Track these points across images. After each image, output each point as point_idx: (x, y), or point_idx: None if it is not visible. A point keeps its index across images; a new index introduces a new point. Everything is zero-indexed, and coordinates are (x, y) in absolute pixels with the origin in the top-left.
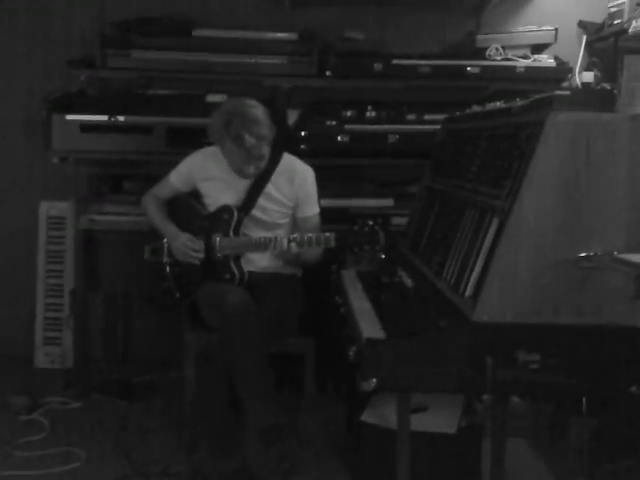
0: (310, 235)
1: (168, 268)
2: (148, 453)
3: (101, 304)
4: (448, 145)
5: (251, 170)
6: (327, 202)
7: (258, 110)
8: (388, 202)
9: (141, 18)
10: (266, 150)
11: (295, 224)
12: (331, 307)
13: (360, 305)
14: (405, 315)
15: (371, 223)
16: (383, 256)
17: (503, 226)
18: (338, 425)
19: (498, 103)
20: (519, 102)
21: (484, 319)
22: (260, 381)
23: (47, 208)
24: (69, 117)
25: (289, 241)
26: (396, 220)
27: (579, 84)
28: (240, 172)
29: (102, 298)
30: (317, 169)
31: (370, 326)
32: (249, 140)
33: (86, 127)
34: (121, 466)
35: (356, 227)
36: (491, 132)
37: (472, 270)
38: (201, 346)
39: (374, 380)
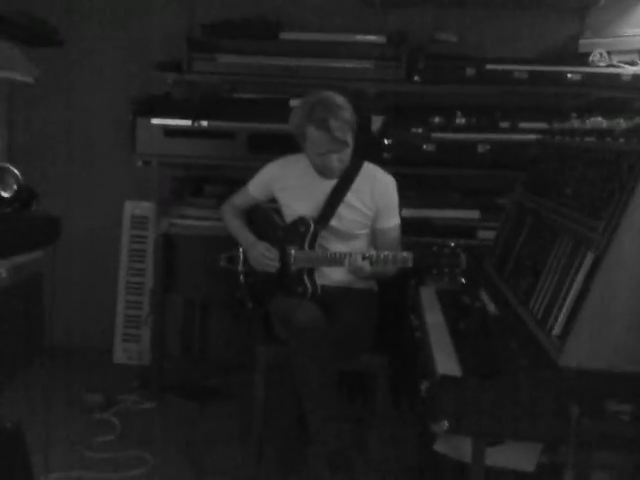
0: (386, 254)
1: (242, 277)
2: (216, 462)
3: (179, 305)
4: (543, 161)
5: (334, 162)
6: (409, 212)
7: (339, 97)
8: (474, 214)
9: (228, 20)
10: (350, 138)
11: (374, 235)
12: (407, 324)
13: (437, 332)
14: (485, 348)
15: (452, 244)
16: (464, 281)
17: (598, 263)
18: (410, 447)
19: (599, 119)
20: (623, 123)
21: (572, 365)
22: (328, 403)
23: (131, 207)
24: (154, 121)
25: (363, 258)
26: (482, 234)
27: None
28: (324, 167)
29: (181, 300)
30: (399, 178)
31: (445, 359)
32: (333, 123)
33: (169, 132)
34: (188, 475)
35: (435, 248)
36: (590, 154)
37: (561, 306)
38: (272, 358)
39: (446, 423)
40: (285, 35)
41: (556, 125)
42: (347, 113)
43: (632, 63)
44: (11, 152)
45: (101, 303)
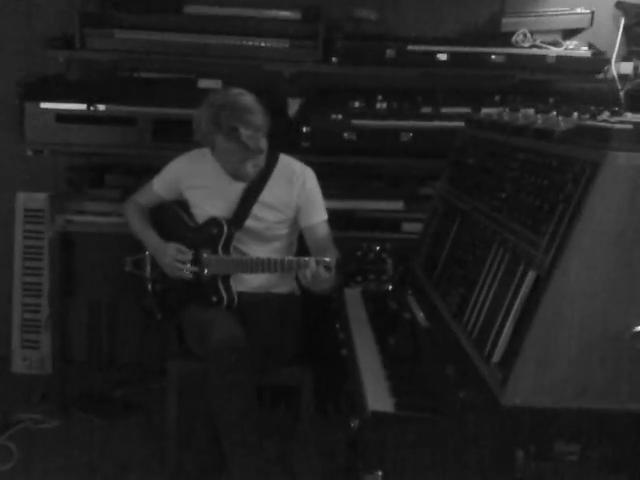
0: (290, 259)
1: (150, 285)
2: None
3: (83, 308)
4: (470, 154)
5: (249, 169)
6: (329, 204)
7: (248, 97)
8: (397, 205)
9: None
10: (264, 143)
11: (304, 235)
12: (331, 331)
13: (366, 353)
14: (419, 371)
15: (378, 249)
16: (391, 287)
17: (542, 285)
18: (336, 460)
19: (531, 111)
20: (561, 123)
21: (515, 402)
22: (244, 431)
23: (24, 200)
24: (44, 105)
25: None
26: (407, 226)
27: (616, 76)
28: (237, 174)
29: (85, 302)
30: (319, 167)
31: (376, 389)
32: (244, 132)
33: (62, 117)
34: None
35: (359, 253)
36: (527, 155)
37: (501, 329)
38: (185, 374)
39: (379, 473)
40: (190, 9)
41: (483, 113)
42: (258, 118)
43: (555, 43)
44: None
45: None
